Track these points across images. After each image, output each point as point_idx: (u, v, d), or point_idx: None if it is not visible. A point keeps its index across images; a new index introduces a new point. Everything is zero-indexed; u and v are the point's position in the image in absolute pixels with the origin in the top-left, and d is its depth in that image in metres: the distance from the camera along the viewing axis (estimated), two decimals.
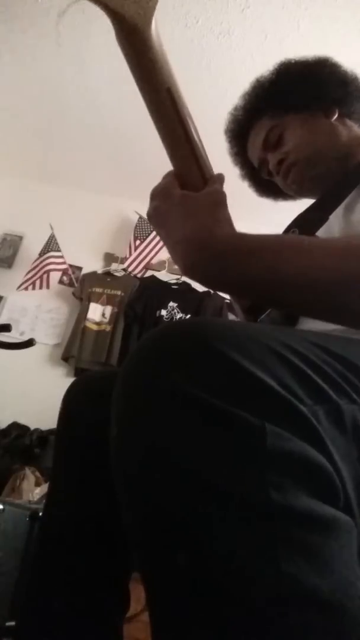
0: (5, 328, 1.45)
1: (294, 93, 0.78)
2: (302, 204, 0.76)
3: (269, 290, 0.45)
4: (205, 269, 0.48)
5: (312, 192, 0.80)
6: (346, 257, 0.43)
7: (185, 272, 0.49)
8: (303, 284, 0.43)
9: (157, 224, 0.55)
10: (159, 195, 0.55)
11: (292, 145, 0.77)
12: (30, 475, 2.05)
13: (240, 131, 0.87)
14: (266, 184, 0.90)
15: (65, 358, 2.82)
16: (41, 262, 2.91)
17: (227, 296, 2.42)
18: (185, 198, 0.52)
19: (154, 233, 2.99)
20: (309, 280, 0.43)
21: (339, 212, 0.69)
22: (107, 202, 3.27)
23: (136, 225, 3.04)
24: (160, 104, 0.50)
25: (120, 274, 3.04)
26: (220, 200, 0.52)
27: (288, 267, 0.43)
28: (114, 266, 3.08)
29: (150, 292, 2.92)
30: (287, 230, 0.69)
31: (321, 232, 0.71)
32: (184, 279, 2.94)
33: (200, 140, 0.54)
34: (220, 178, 0.55)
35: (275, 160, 0.80)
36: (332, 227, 0.70)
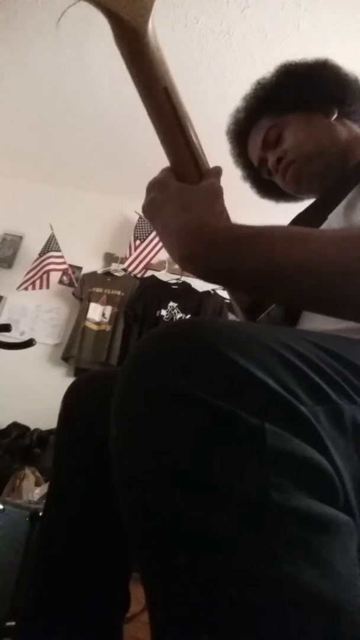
0: (5, 328, 1.45)
1: (293, 93, 0.79)
2: (303, 206, 0.76)
3: (266, 281, 0.44)
4: (200, 259, 0.47)
5: (311, 190, 0.80)
6: (347, 247, 0.41)
7: (180, 264, 0.48)
8: (302, 275, 0.41)
9: (152, 216, 0.55)
10: (156, 187, 0.55)
11: (290, 143, 0.78)
12: (30, 475, 2.05)
13: (241, 132, 0.87)
14: (267, 185, 0.90)
15: (65, 358, 2.82)
16: (41, 262, 2.91)
17: (227, 296, 2.42)
18: (182, 190, 0.53)
19: (154, 233, 2.99)
20: (308, 271, 0.41)
21: (339, 210, 0.69)
22: (107, 202, 3.27)
23: (136, 225, 3.03)
24: (157, 103, 0.51)
25: (120, 274, 3.04)
26: (216, 193, 0.52)
27: (286, 257, 0.42)
28: (114, 266, 3.08)
29: (150, 292, 2.92)
30: None
31: None
32: (184, 279, 2.94)
33: (196, 135, 0.55)
34: (217, 171, 0.55)
35: (274, 158, 0.80)
36: (332, 226, 0.70)
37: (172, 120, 0.51)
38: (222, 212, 0.52)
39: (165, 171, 0.56)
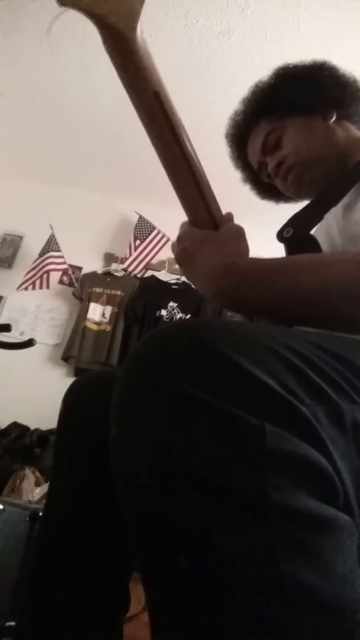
0: (5, 328, 1.45)
1: (291, 96, 0.79)
2: (302, 205, 0.76)
3: (292, 307, 0.49)
4: (231, 295, 0.53)
5: (311, 193, 0.80)
6: None
7: (215, 299, 0.55)
8: (323, 297, 0.46)
9: (186, 263, 0.60)
10: (184, 239, 0.60)
11: (290, 148, 0.78)
12: (30, 475, 2.05)
13: (240, 135, 0.87)
14: (267, 187, 0.90)
15: (65, 358, 2.82)
16: (41, 262, 2.91)
17: None
18: (208, 236, 0.58)
19: (154, 233, 2.99)
20: (327, 293, 0.46)
21: (337, 211, 0.69)
22: (107, 202, 3.27)
23: (136, 225, 3.03)
24: (148, 109, 0.51)
25: (120, 274, 3.04)
26: (239, 235, 0.59)
27: (306, 283, 0.47)
28: (114, 266, 3.08)
29: (150, 292, 2.92)
30: (282, 229, 0.69)
31: (318, 231, 0.71)
32: (184, 278, 2.94)
33: (192, 145, 0.55)
34: (230, 216, 0.62)
35: (274, 163, 0.80)
36: (331, 227, 0.70)
37: (165, 127, 0.51)
38: (247, 251, 0.58)
39: (185, 225, 0.62)
